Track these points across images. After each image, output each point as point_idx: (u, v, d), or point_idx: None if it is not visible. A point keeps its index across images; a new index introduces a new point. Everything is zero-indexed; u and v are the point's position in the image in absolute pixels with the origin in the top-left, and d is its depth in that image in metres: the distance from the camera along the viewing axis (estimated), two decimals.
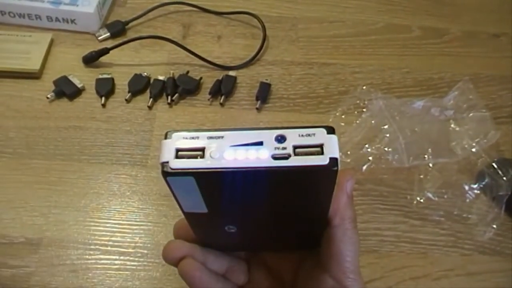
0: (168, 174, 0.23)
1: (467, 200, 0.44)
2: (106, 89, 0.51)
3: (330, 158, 0.22)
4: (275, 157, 0.22)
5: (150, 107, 0.51)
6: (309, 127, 0.23)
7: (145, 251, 0.41)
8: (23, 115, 0.49)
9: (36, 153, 0.46)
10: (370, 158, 0.45)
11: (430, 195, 0.44)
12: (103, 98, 0.51)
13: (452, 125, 0.47)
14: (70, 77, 0.52)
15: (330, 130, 0.23)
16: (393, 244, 0.43)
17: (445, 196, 0.45)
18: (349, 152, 0.46)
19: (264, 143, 0.23)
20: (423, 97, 0.49)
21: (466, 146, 0.45)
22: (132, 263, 0.40)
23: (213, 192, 0.25)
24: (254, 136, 0.23)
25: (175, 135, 0.23)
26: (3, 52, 0.52)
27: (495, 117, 0.50)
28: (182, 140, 0.23)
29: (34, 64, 0.52)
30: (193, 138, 0.23)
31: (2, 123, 0.48)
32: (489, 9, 0.65)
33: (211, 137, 0.23)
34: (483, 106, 0.48)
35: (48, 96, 0.50)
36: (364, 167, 0.45)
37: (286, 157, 0.22)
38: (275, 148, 0.22)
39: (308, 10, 0.62)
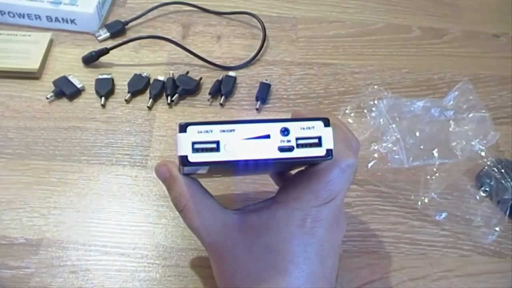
0: (187, 164, 0.26)
1: (471, 202, 0.44)
2: (105, 89, 0.51)
3: (327, 150, 0.27)
4: (281, 149, 0.27)
5: (150, 108, 0.51)
6: (309, 120, 0.27)
7: (145, 252, 0.41)
8: (22, 116, 0.49)
9: (35, 153, 0.46)
10: (376, 155, 0.45)
11: (434, 196, 0.44)
12: (102, 99, 0.50)
13: (452, 126, 0.47)
14: (70, 77, 0.51)
15: (327, 123, 0.27)
16: (393, 245, 0.43)
17: (449, 198, 0.45)
18: None
19: (271, 136, 0.27)
20: (423, 98, 0.49)
21: (466, 147, 0.45)
22: (132, 264, 0.40)
23: (221, 168, 0.30)
24: (262, 129, 0.27)
25: (190, 128, 0.26)
26: (2, 52, 0.52)
27: (494, 118, 0.50)
28: (197, 134, 0.26)
29: (33, 64, 0.52)
30: (207, 131, 0.26)
31: (1, 123, 0.48)
32: (489, 9, 0.65)
33: (223, 131, 0.26)
34: (483, 107, 0.48)
35: (48, 96, 0.50)
36: (369, 165, 0.45)
37: (291, 149, 0.27)
38: (281, 141, 0.27)
39: (308, 10, 0.62)
